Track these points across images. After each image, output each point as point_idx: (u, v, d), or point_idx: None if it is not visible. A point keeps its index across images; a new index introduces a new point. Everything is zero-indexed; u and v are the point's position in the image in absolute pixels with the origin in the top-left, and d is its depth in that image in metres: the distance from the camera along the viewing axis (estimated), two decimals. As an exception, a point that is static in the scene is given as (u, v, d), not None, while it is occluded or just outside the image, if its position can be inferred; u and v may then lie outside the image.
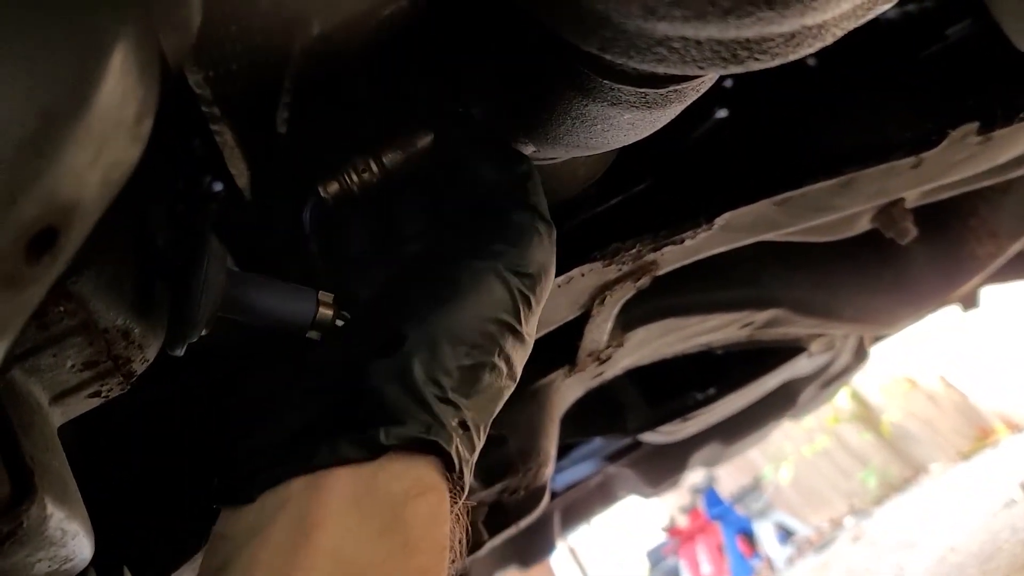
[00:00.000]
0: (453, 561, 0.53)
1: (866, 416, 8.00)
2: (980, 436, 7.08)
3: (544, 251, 0.60)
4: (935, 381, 7.86)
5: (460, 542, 0.55)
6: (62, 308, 0.47)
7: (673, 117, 0.59)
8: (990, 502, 4.21)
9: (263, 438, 0.54)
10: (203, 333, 0.55)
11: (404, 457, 0.51)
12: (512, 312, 0.57)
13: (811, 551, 6.70)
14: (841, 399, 7.79)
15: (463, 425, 0.54)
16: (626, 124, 0.57)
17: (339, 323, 0.60)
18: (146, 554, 0.81)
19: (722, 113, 1.26)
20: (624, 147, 0.97)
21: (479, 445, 0.57)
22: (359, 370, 0.53)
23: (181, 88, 0.66)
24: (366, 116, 0.75)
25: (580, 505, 2.46)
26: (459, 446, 0.53)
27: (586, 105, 0.55)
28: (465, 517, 0.57)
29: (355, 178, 0.68)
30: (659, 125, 0.60)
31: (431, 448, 0.52)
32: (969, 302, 2.33)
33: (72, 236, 0.34)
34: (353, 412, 0.52)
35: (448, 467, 0.53)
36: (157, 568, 0.80)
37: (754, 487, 8.09)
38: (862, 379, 7.84)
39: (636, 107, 0.54)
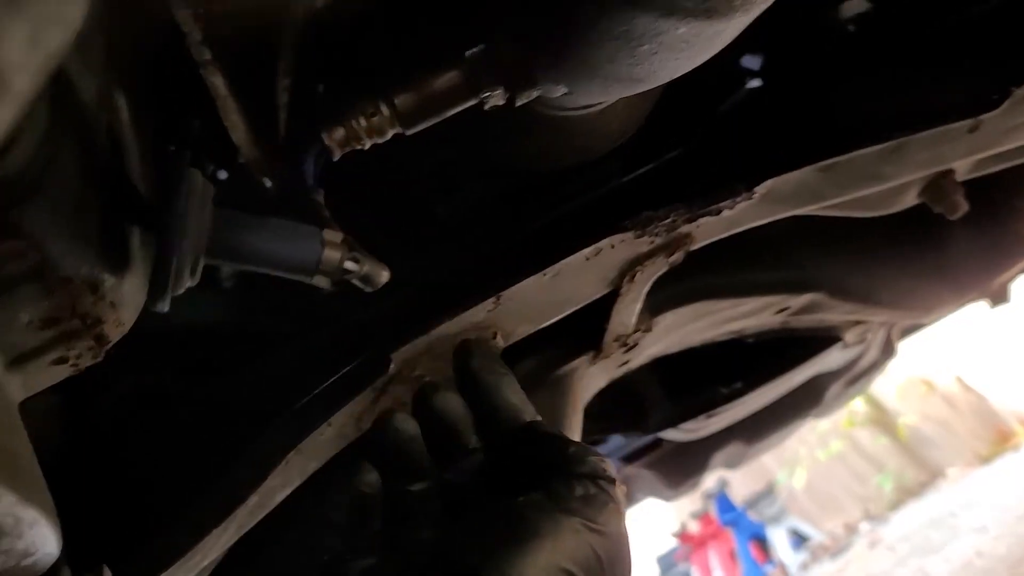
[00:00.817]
0: None
1: (881, 419, 7.87)
2: (999, 439, 6.95)
3: (619, 518, 0.57)
4: (952, 382, 7.73)
5: None
6: (8, 247, 0.38)
7: (734, 36, 0.50)
8: (1015, 505, 4.11)
9: None
10: (189, 284, 0.47)
11: None
12: (584, 570, 0.53)
13: (826, 557, 6.60)
14: (856, 402, 7.67)
15: None
16: (679, 42, 0.48)
17: (348, 266, 0.52)
18: (132, 553, 0.73)
19: (755, 83, 1.19)
20: (654, 111, 0.90)
21: None
22: None
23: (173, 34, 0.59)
24: (377, 56, 0.67)
25: (597, 508, 2.37)
26: None
27: (633, 17, 0.47)
28: None
29: (363, 122, 0.60)
30: (716, 47, 0.51)
31: None
32: (999, 297, 2.24)
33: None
34: None
35: None
36: (144, 568, 0.72)
37: (767, 492, 7.96)
38: (877, 382, 7.72)
39: (693, 16, 0.45)
